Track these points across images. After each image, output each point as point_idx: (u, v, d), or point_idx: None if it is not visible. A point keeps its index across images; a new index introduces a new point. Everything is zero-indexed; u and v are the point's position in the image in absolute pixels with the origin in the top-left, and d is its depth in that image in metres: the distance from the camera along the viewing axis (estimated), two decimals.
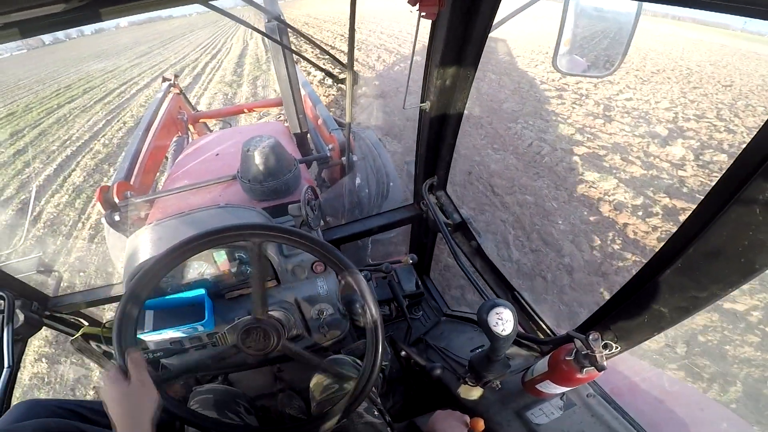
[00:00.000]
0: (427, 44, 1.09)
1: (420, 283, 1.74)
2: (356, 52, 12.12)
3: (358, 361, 1.12)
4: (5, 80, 19.91)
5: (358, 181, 2.27)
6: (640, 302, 0.80)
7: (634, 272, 0.84)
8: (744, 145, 0.54)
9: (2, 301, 1.26)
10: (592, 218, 3.77)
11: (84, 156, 6.18)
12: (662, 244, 0.73)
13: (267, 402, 1.26)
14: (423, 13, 0.90)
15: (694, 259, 0.66)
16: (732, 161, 0.57)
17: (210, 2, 0.90)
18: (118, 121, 7.91)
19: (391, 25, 16.93)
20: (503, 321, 0.85)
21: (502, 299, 0.92)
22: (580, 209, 3.88)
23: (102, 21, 0.68)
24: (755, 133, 0.53)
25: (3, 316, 1.24)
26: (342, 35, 16.44)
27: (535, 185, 4.18)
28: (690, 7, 0.51)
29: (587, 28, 0.93)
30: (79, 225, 4.26)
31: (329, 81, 7.91)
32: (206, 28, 31.68)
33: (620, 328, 0.87)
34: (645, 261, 0.80)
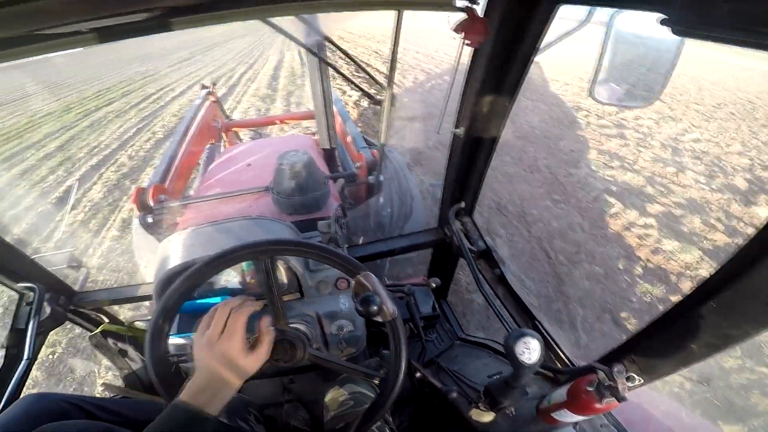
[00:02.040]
0: (462, 67, 1.07)
1: (437, 305, 1.77)
2: (374, 62, 11.80)
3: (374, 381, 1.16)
4: (55, 78, 20.59)
5: (380, 200, 2.27)
6: (669, 337, 0.81)
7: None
8: None
9: (32, 293, 1.27)
10: (672, 297, 3.15)
11: (108, 168, 5.91)
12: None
13: (273, 412, 1.26)
14: (467, 41, 0.90)
15: (734, 298, 0.66)
16: None
17: (267, 19, 0.93)
18: (148, 130, 7.69)
19: (426, 44, 16.45)
20: (530, 350, 0.86)
21: (529, 329, 0.91)
22: (657, 285, 3.25)
23: (173, 30, 0.71)
24: None
25: (31, 308, 1.26)
26: (376, 51, 16.11)
27: (603, 253, 3.56)
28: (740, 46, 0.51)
29: (625, 55, 0.89)
30: (90, 251, 3.90)
31: (364, 103, 7.50)
32: (246, 36, 32.15)
33: (646, 361, 0.87)
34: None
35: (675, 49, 0.82)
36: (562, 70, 11.34)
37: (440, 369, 1.44)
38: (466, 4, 0.84)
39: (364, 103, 7.53)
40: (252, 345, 0.78)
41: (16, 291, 1.29)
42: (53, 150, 7.21)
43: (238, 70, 14.90)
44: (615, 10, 0.81)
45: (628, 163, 5.21)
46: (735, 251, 0.64)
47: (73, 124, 9.22)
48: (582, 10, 0.86)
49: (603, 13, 0.84)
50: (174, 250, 1.14)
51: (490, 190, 4.37)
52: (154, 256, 1.28)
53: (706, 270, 3.44)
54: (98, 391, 2.44)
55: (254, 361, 0.77)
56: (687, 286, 3.27)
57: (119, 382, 1.74)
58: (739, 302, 0.65)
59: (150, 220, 1.88)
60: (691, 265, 3.49)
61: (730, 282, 0.65)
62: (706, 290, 0.71)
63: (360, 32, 24.13)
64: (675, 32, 0.55)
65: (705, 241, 3.82)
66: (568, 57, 12.93)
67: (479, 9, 0.86)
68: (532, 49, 0.95)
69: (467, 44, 0.91)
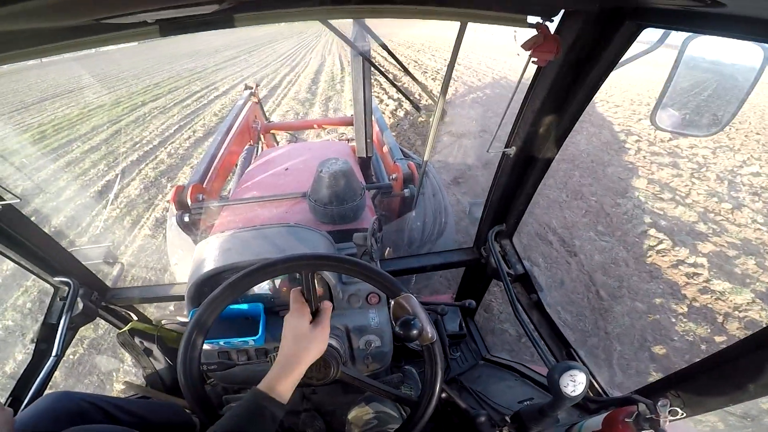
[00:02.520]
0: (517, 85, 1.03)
1: (464, 324, 1.75)
2: (431, 83, 11.70)
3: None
4: (110, 71, 21.78)
5: (413, 213, 2.22)
6: (724, 375, 0.79)
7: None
8: None
9: (67, 288, 1.25)
10: (716, 338, 2.91)
11: (147, 164, 6.09)
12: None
13: (291, 420, 1.24)
14: (535, 59, 0.86)
15: None
16: None
17: (328, 20, 0.92)
18: (189, 128, 7.93)
19: (468, 57, 16.21)
20: (576, 383, 0.84)
21: (576, 363, 0.90)
22: (701, 324, 3.00)
23: (236, 26, 0.71)
24: None
25: (65, 303, 1.23)
26: (415, 61, 16.07)
27: (647, 289, 3.30)
28: None
29: (694, 81, 0.84)
30: (121, 248, 3.98)
31: (400, 113, 7.42)
32: (291, 38, 33.12)
33: (691, 396, 0.86)
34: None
35: (753, 78, 0.75)
36: (612, 91, 10.86)
37: (462, 388, 1.43)
38: (538, 20, 0.80)
39: (400, 113, 7.46)
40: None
41: (52, 285, 1.27)
42: (98, 143, 7.55)
43: (280, 72, 15.26)
44: (689, 34, 0.76)
45: (680, 195, 4.84)
46: None
47: (120, 118, 9.68)
48: (653, 31, 0.80)
49: (675, 35, 0.78)
50: (210, 253, 1.13)
51: (530, 215, 4.16)
52: (188, 256, 1.29)
53: (756, 312, 3.15)
54: (119, 389, 2.44)
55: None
56: (734, 327, 3.01)
57: (140, 381, 1.75)
58: None
59: (187, 219, 1.87)
60: (741, 306, 3.20)
61: None
62: None
63: (399, 40, 24.18)
64: None
65: (758, 283, 3.47)
66: (619, 78, 12.39)
67: (552, 26, 0.82)
68: (604, 71, 0.90)
69: (534, 62, 0.88)
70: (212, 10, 0.60)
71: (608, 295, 3.21)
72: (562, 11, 0.82)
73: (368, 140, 2.41)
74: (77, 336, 2.81)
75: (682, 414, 0.84)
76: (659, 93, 0.87)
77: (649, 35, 0.85)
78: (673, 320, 3.04)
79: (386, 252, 2.25)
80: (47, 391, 1.12)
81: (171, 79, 15.91)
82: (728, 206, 4.73)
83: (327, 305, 0.86)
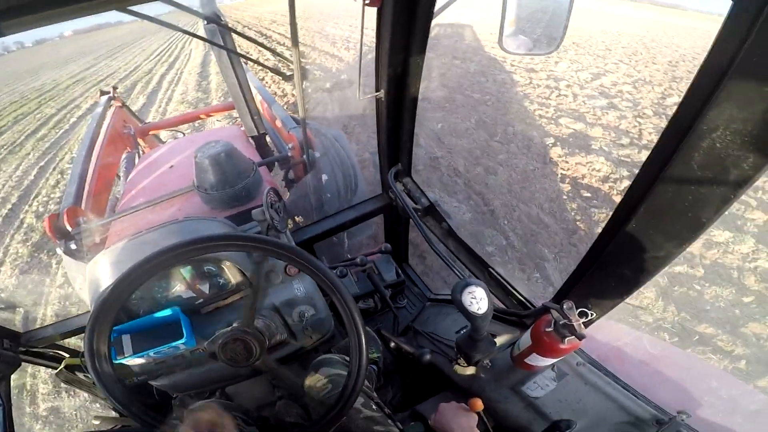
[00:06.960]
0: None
1: (400, 271, 1.75)
2: (345, 53, 10.78)
3: (347, 358, 1.16)
4: None
5: (325, 177, 2.21)
6: (603, 267, 0.80)
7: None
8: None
9: None
10: (743, 298, 2.77)
11: (12, 238, 4.45)
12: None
13: (268, 412, 1.25)
14: (367, 1, 0.91)
15: (645, 219, 0.66)
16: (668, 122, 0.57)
17: (130, 8, 0.85)
18: (54, 169, 6.17)
19: (358, 15, 15.45)
20: (477, 299, 0.85)
21: (473, 278, 0.90)
22: (725, 287, 2.86)
23: (4, 35, 0.62)
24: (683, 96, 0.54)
25: None
26: (318, 32, 14.91)
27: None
28: None
29: (529, 8, 0.95)
30: None
31: (336, 94, 6.59)
32: (159, 33, 28.82)
33: (591, 294, 0.87)
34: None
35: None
36: None
37: (417, 333, 1.46)
38: None
39: (327, 84, 6.77)
40: None
41: None
42: None
43: (157, 72, 13.18)
44: None
45: (635, 138, 4.76)
46: (639, 172, 0.64)
47: None
48: None
49: None
50: (102, 272, 1.06)
51: (518, 198, 3.67)
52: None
53: (765, 260, 3.09)
54: (94, 425, 2.11)
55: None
56: (752, 281, 2.89)
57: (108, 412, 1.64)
58: (652, 221, 0.65)
59: (73, 246, 1.75)
60: (749, 255, 3.12)
61: (640, 203, 0.65)
62: (623, 215, 0.70)
63: (299, 12, 22.21)
64: None
65: (750, 225, 3.43)
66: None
67: None
68: (431, 4, 0.97)
69: (367, 4, 0.92)
70: None
71: None
72: None
73: (255, 118, 2.40)
74: None
75: (592, 314, 0.82)
76: (500, 22, 0.92)
77: None
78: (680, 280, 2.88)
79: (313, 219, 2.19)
80: None
81: (14, 105, 12.89)
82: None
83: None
